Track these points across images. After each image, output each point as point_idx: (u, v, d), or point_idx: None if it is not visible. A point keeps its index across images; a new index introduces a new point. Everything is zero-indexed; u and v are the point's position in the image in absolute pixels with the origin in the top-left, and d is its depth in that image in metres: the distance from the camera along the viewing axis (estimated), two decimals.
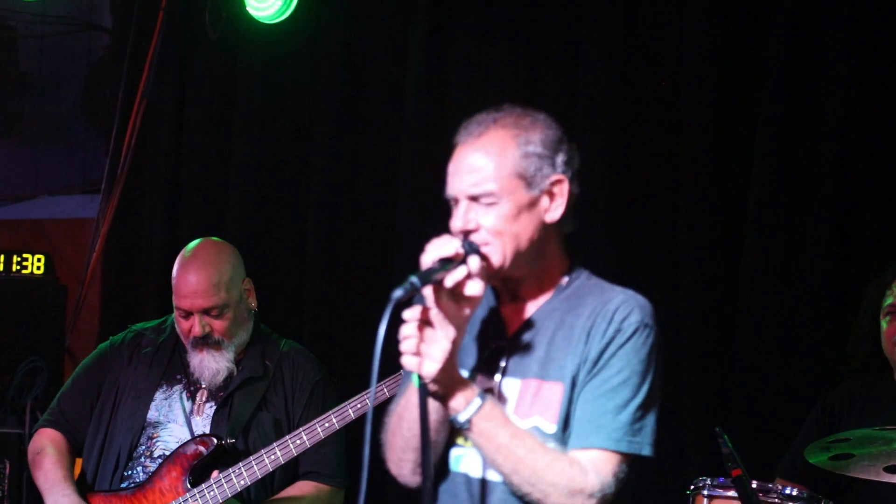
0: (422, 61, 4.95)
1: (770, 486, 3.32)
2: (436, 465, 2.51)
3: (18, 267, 5.31)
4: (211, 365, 3.77)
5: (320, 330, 5.10)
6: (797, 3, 4.31)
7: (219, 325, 3.77)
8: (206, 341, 3.77)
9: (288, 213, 5.32)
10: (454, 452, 2.53)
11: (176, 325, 3.87)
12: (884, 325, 3.80)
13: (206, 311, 3.75)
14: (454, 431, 2.48)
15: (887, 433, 3.25)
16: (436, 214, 4.70)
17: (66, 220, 6.15)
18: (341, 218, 5.14)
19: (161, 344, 3.92)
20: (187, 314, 3.77)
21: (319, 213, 5.17)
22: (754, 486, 3.17)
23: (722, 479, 3.36)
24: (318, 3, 5.18)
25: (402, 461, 2.52)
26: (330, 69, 5.21)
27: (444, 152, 2.55)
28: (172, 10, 5.52)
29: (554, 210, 2.50)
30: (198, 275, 3.76)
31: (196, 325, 3.75)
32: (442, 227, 2.54)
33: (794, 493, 3.30)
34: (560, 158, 2.49)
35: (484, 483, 2.48)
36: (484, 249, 2.43)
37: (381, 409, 2.62)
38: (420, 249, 2.40)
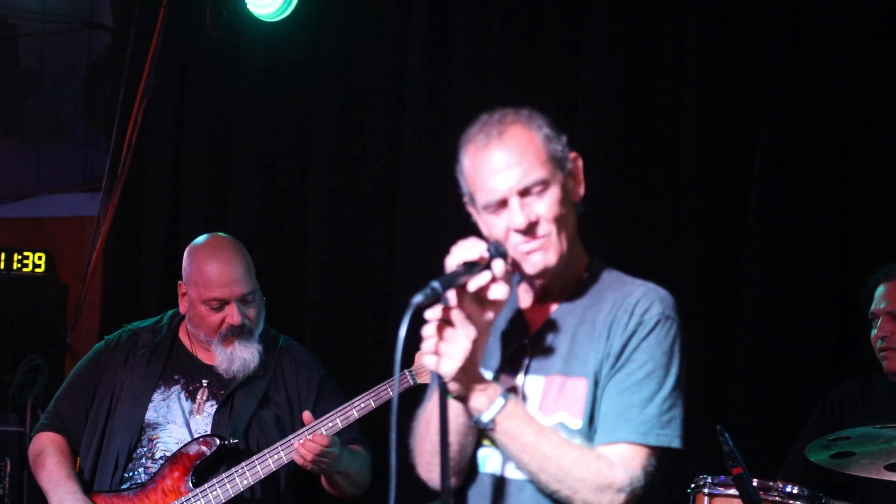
0: (422, 60, 4.95)
1: (771, 483, 3.33)
2: (466, 470, 2.51)
3: (19, 265, 5.31)
4: (243, 354, 3.77)
5: (321, 331, 5.09)
6: (798, 2, 4.32)
7: (251, 311, 3.79)
8: (240, 331, 3.76)
9: (288, 211, 5.32)
10: (480, 453, 2.52)
11: (197, 323, 3.82)
12: (874, 321, 3.86)
13: (242, 299, 3.76)
14: (482, 433, 2.47)
15: (888, 431, 3.26)
16: (436, 213, 4.72)
17: (67, 219, 6.15)
18: (342, 217, 5.15)
19: (157, 344, 3.91)
20: (221, 305, 3.76)
21: (320, 211, 5.17)
22: (755, 484, 3.18)
23: (722, 478, 3.37)
24: (318, 1, 5.19)
25: (432, 465, 2.51)
26: (330, 68, 5.21)
27: (445, 151, 2.55)
28: (173, 9, 5.53)
29: (579, 187, 2.53)
30: (230, 263, 3.77)
31: (235, 313, 3.75)
32: (442, 225, 2.54)
33: (795, 490, 3.31)
34: (565, 138, 2.52)
35: (512, 482, 2.47)
36: (546, 239, 2.43)
37: (385, 409, 2.62)
38: (420, 247, 2.40)
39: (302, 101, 5.30)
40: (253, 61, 5.37)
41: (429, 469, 2.53)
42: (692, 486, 3.43)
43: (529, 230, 2.42)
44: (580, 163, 2.54)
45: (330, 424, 3.66)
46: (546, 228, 2.43)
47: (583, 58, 4.65)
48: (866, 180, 4.25)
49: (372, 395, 3.67)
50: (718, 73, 4.42)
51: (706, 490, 3.38)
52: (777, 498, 3.30)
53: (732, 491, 3.27)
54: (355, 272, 5.12)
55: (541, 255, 2.44)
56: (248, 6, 5.13)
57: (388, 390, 3.57)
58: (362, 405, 3.66)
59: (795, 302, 4.29)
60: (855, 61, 4.24)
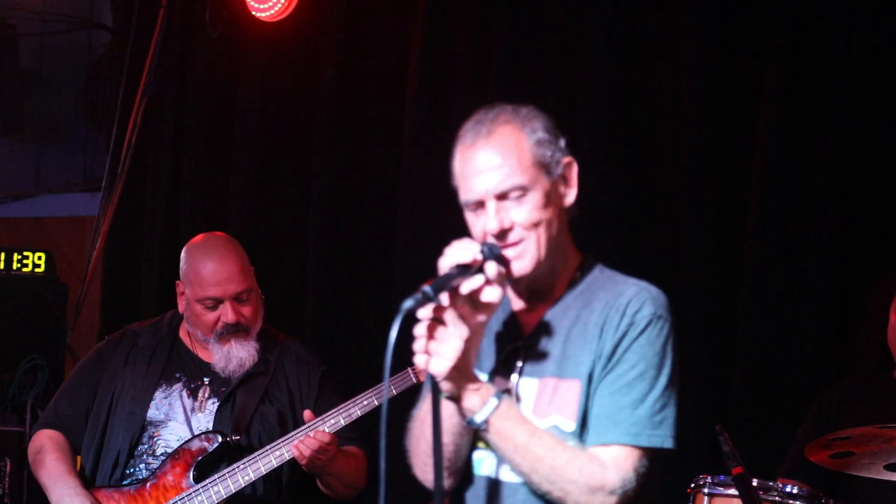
0: (422, 60, 4.95)
1: (770, 483, 3.33)
2: (462, 471, 2.51)
3: (19, 265, 5.30)
4: (240, 353, 3.77)
5: (321, 329, 5.10)
6: (798, 3, 4.32)
7: (247, 310, 3.79)
8: (236, 329, 3.77)
9: (288, 211, 5.33)
10: (476, 455, 2.51)
11: (194, 322, 3.82)
12: (893, 316, 3.81)
13: (237, 297, 3.76)
14: (476, 434, 2.45)
15: (888, 431, 3.26)
16: (436, 211, 4.73)
17: (67, 218, 6.16)
18: (342, 217, 5.15)
19: (158, 343, 3.92)
20: (216, 303, 3.76)
21: (320, 210, 5.17)
22: (755, 483, 3.18)
23: (722, 477, 3.36)
24: (318, 1, 5.19)
25: (428, 466, 2.48)
26: (330, 68, 5.21)
27: (446, 150, 2.55)
28: (173, 8, 5.54)
29: (570, 193, 2.50)
30: (224, 261, 3.77)
31: (230, 312, 3.74)
32: (442, 224, 2.54)
33: (795, 490, 3.31)
34: (562, 142, 2.50)
35: (506, 485, 2.46)
36: (522, 246, 2.41)
37: (395, 413, 2.62)
38: (420, 247, 2.40)
39: (302, 102, 5.31)
40: (253, 61, 5.38)
41: (425, 470, 2.52)
42: (692, 485, 3.43)
43: (502, 235, 2.40)
44: (574, 168, 2.50)
45: (332, 422, 3.66)
46: (519, 234, 2.41)
47: (583, 58, 4.65)
48: (866, 181, 4.25)
49: (374, 392, 3.67)
50: (718, 73, 4.42)
51: (706, 490, 3.38)
52: (777, 498, 3.30)
53: (732, 491, 3.26)
54: (355, 272, 5.12)
55: (516, 263, 2.42)
56: (248, 6, 5.14)
57: (392, 388, 3.57)
58: (365, 402, 3.66)
59: (795, 302, 4.29)
60: (855, 62, 4.24)
